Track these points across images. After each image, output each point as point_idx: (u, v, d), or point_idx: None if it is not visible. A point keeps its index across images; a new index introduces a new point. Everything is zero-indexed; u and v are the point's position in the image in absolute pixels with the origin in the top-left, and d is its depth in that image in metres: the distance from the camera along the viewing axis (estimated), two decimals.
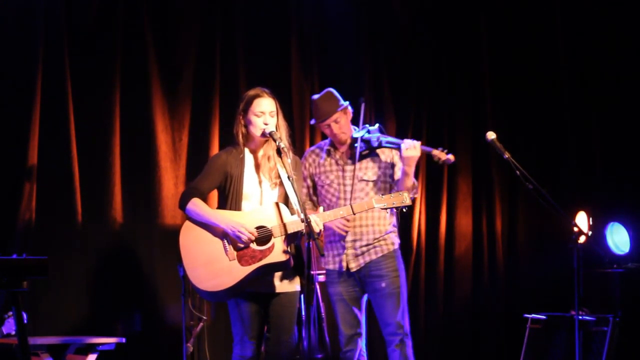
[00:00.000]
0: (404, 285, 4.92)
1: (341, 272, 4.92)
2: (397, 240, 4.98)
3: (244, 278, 4.24)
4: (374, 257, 4.90)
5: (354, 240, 4.89)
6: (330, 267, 4.95)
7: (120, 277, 5.71)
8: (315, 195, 5.02)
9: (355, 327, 4.95)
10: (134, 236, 5.79)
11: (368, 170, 4.91)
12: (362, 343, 4.98)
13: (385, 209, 4.50)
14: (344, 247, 4.90)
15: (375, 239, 4.90)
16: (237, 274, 4.25)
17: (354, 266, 4.89)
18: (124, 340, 5.33)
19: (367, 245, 4.89)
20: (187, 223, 4.39)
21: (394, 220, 5.00)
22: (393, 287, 4.88)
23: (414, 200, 4.89)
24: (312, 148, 5.13)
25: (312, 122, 5.03)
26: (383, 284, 4.87)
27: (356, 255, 4.89)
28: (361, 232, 4.89)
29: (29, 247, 5.16)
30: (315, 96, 5.02)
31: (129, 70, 5.80)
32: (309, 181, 5.01)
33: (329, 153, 4.99)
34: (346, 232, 4.86)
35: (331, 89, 5.02)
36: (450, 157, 4.76)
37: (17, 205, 5.38)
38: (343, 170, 4.93)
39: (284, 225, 4.29)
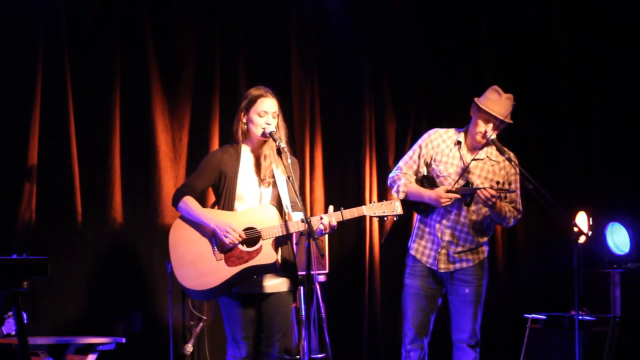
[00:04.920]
0: (485, 294, 4.94)
1: (427, 267, 4.91)
2: (487, 249, 4.99)
3: (229, 279, 4.25)
4: (464, 265, 4.90)
5: (450, 242, 4.87)
6: (419, 257, 4.91)
7: (120, 277, 5.71)
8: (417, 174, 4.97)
9: (426, 326, 4.94)
10: (134, 236, 5.79)
11: (485, 180, 4.87)
12: (427, 344, 4.97)
13: (376, 216, 4.46)
14: (439, 245, 4.88)
15: (470, 249, 4.90)
16: (222, 275, 4.25)
17: (442, 267, 4.89)
18: (124, 340, 5.34)
19: (461, 252, 4.88)
20: (178, 221, 4.41)
21: (490, 233, 5.01)
22: (476, 295, 4.90)
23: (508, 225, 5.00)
24: (440, 130, 5.03)
25: (481, 102, 4.87)
26: (467, 290, 4.88)
27: (449, 260, 4.88)
28: (459, 237, 4.88)
29: (29, 247, 5.15)
30: (502, 91, 4.91)
31: (129, 70, 5.80)
32: (421, 161, 4.95)
33: (459, 144, 4.94)
34: (445, 211, 4.84)
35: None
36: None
37: (17, 205, 5.38)
38: (463, 170, 4.89)
39: (276, 228, 4.28)
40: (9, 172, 5.42)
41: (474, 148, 4.92)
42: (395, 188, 4.90)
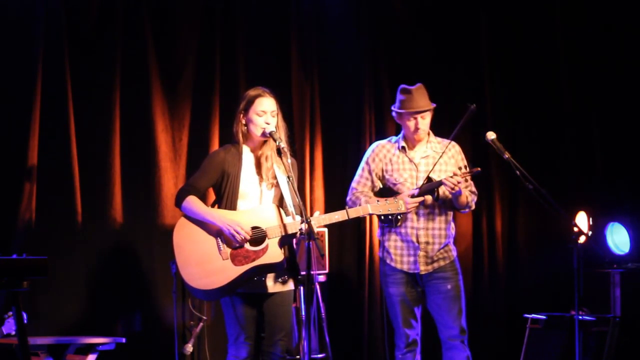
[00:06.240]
0: (464, 290, 4.98)
1: (407, 273, 4.92)
2: (454, 249, 5.03)
3: (236, 278, 4.25)
4: (442, 263, 4.94)
5: (427, 242, 4.90)
6: (399, 266, 4.92)
7: (120, 277, 5.71)
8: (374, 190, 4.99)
9: (417, 328, 4.97)
10: (134, 236, 5.79)
11: (442, 173, 4.89)
12: (419, 338, 5.00)
13: (380, 215, 4.50)
14: (416, 248, 4.90)
15: (444, 245, 4.93)
16: (229, 274, 4.25)
17: (423, 269, 4.91)
18: (124, 340, 5.34)
19: (438, 251, 4.91)
20: (182, 220, 4.39)
21: (454, 230, 5.04)
22: (458, 290, 4.94)
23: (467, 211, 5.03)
24: (381, 142, 5.09)
25: (397, 108, 4.97)
26: (449, 286, 4.91)
27: (428, 261, 4.90)
28: (434, 234, 4.90)
29: (29, 247, 5.15)
30: (409, 86, 5.00)
31: (129, 70, 5.80)
32: (373, 176, 4.98)
33: (403, 150, 4.97)
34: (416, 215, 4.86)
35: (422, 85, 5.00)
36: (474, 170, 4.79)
37: (17, 205, 5.38)
38: (417, 170, 4.93)
39: (279, 227, 4.29)
40: (9, 172, 5.42)
41: (418, 147, 4.99)
42: None
